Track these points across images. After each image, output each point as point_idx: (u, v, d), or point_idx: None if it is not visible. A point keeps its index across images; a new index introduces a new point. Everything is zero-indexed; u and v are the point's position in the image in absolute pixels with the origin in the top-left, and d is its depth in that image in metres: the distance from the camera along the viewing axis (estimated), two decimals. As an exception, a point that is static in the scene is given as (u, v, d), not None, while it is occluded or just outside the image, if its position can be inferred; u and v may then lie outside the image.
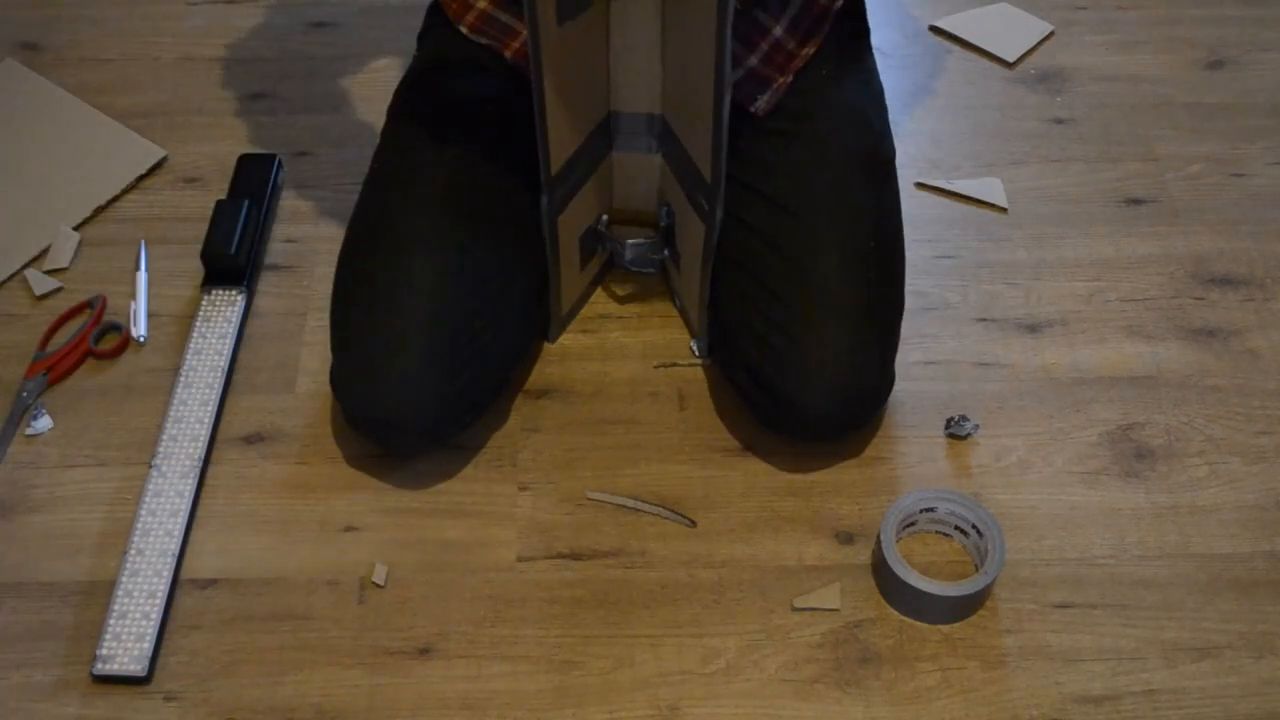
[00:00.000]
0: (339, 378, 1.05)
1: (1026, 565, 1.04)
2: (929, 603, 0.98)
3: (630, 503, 1.07)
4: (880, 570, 1.01)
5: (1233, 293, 1.22)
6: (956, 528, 1.03)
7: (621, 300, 1.21)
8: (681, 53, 0.98)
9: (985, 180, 1.31)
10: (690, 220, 1.07)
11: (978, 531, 1.01)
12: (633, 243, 1.14)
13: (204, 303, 1.19)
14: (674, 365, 1.16)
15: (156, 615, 0.99)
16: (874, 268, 1.05)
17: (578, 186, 1.07)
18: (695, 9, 0.92)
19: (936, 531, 1.05)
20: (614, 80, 1.04)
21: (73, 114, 1.36)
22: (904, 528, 1.03)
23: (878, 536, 1.01)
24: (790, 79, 1.08)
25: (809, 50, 1.07)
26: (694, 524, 1.06)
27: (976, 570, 1.01)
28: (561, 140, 1.00)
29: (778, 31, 1.05)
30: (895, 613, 1.01)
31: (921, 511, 1.03)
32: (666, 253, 1.15)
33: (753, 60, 1.06)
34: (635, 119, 1.07)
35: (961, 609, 0.99)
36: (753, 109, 1.07)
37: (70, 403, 1.14)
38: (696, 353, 1.16)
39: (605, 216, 1.14)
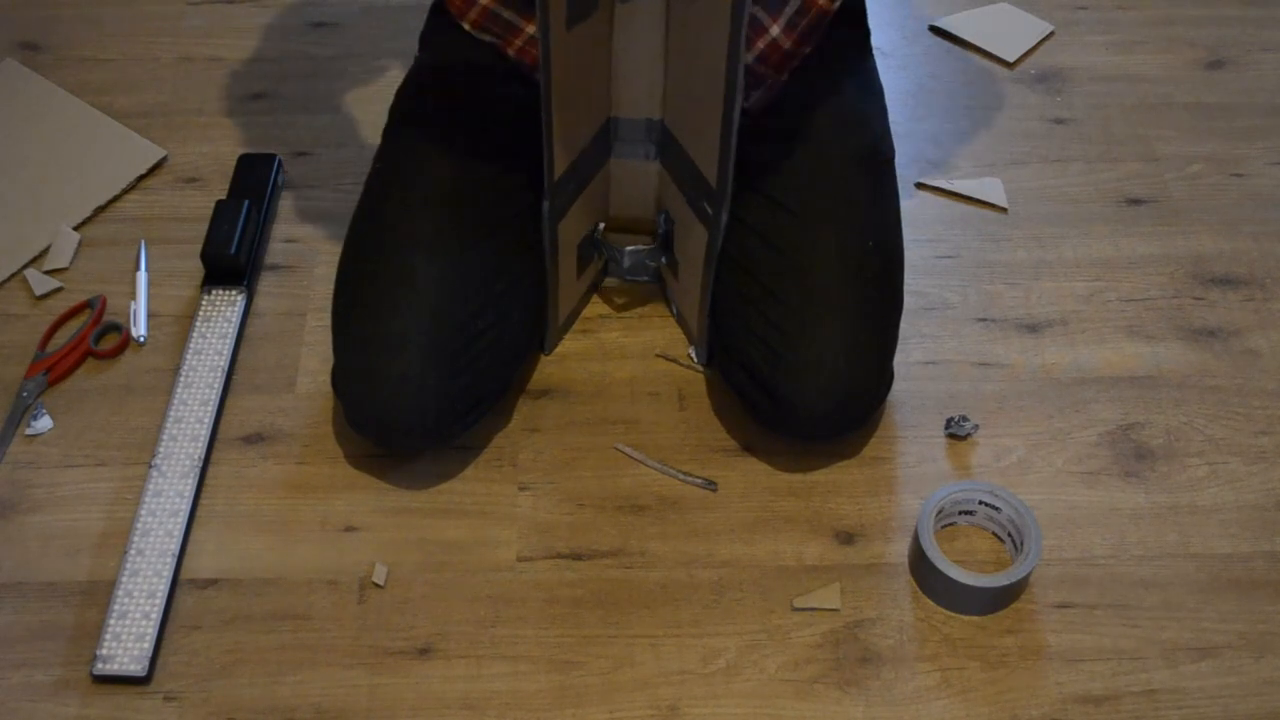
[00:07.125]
0: (340, 378, 1.05)
1: (1026, 565, 1.04)
2: (970, 595, 0.99)
3: (656, 465, 1.08)
4: (919, 565, 1.01)
5: (1233, 293, 1.22)
6: (990, 518, 1.04)
7: (620, 304, 1.21)
8: (686, 57, 0.98)
9: (985, 180, 1.31)
10: (691, 226, 1.07)
11: (1015, 526, 1.02)
12: (630, 250, 1.14)
13: (204, 303, 1.18)
14: (674, 362, 1.16)
15: (156, 615, 0.99)
16: (871, 267, 1.05)
17: (577, 193, 1.07)
18: (703, 14, 0.92)
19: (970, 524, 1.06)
20: (615, 85, 1.04)
21: (73, 114, 1.36)
22: (940, 526, 1.04)
23: (914, 531, 1.01)
24: (784, 77, 1.07)
25: (806, 50, 1.07)
26: (715, 487, 1.07)
27: (1012, 559, 1.02)
28: (565, 145, 1.00)
29: (775, 30, 1.05)
30: (895, 613, 1.01)
31: (960, 514, 1.04)
32: (664, 260, 1.15)
33: (748, 59, 1.06)
34: (635, 125, 1.07)
35: (1001, 599, 1.00)
36: (745, 105, 1.07)
37: (70, 403, 1.14)
38: (695, 359, 1.16)
39: (602, 225, 1.14)
